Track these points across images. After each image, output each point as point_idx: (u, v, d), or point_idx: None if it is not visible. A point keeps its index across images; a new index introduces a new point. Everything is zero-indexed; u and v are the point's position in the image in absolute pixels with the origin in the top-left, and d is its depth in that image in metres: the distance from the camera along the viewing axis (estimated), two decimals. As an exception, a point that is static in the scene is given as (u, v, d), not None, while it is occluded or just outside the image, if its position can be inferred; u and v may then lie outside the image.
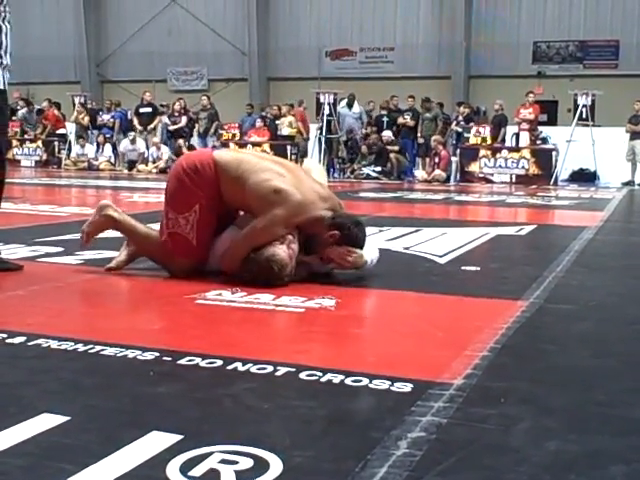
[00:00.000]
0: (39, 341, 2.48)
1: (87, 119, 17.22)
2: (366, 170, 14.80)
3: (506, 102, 15.36)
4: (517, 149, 14.73)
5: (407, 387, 2.09)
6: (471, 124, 15.46)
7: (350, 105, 16.13)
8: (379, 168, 14.74)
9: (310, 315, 3.00)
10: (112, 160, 16.55)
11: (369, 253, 3.78)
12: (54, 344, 2.45)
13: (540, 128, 15.48)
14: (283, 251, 3.46)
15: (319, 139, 15.71)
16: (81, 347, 2.42)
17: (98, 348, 2.41)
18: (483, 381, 2.17)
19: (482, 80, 20.46)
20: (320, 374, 2.18)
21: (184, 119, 16.33)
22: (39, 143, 17.32)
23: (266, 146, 15.44)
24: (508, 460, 1.64)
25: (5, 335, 2.54)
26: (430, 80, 19.86)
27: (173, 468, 1.56)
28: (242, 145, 15.76)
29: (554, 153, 14.47)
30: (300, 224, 3.60)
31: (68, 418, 1.81)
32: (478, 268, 4.26)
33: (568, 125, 14.97)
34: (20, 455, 1.61)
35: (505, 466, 1.61)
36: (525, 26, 20.36)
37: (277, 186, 3.58)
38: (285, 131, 16.05)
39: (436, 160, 14.74)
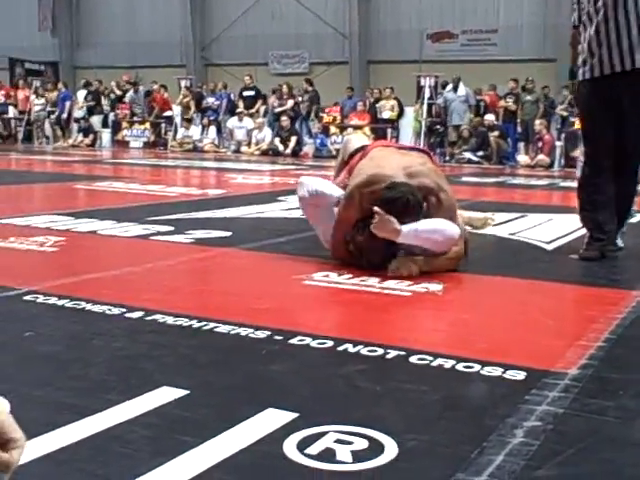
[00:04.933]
0: (156, 316, 2.57)
1: (192, 102, 17.62)
2: (467, 154, 14.58)
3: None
4: (626, 134, 14.16)
5: (520, 375, 2.06)
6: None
7: (456, 88, 15.85)
8: (481, 152, 14.50)
9: (417, 299, 2.99)
10: (216, 142, 16.89)
11: (432, 223, 3.44)
12: (170, 320, 2.54)
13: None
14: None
15: (420, 123, 15.54)
16: (196, 323, 2.50)
17: (212, 325, 2.48)
18: (599, 372, 2.11)
19: (590, 62, 19.76)
20: (431, 358, 2.18)
21: (290, 102, 16.49)
22: (147, 125, 17.84)
23: (367, 129, 15.42)
24: (629, 454, 1.59)
25: (124, 310, 2.64)
26: (535, 63, 19.31)
27: (290, 445, 1.59)
28: (343, 128, 15.80)
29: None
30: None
31: (187, 392, 1.87)
32: (588, 256, 4.13)
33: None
34: (145, 426, 1.67)
35: (626, 460, 1.57)
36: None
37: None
38: (386, 114, 15.98)
39: (539, 145, 14.37)
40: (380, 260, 3.42)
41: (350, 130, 15.48)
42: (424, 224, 3.40)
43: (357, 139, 4.70)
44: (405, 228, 3.32)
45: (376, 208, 3.31)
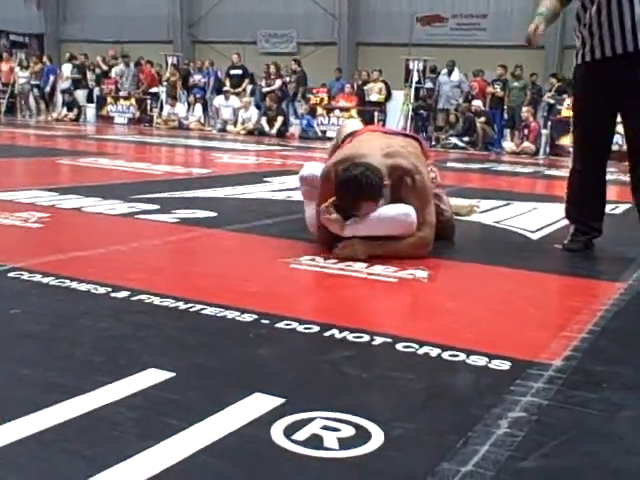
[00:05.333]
0: (142, 297, 2.56)
1: (179, 82, 17.51)
2: (453, 140, 14.60)
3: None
4: (612, 124, 14.21)
5: (505, 365, 2.07)
6: (564, 96, 15.01)
7: (450, 72, 15.81)
8: (467, 138, 14.52)
9: (403, 285, 3.00)
10: (202, 120, 16.78)
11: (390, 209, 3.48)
12: (156, 300, 2.53)
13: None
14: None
15: (407, 107, 15.51)
16: (182, 305, 2.49)
17: (198, 307, 2.47)
18: (583, 364, 2.13)
19: (578, 51, 19.76)
20: (417, 346, 2.19)
21: (278, 82, 16.42)
22: (132, 101, 17.70)
23: (354, 112, 15.39)
24: (613, 447, 1.61)
25: (110, 289, 2.63)
26: (523, 50, 19.28)
27: (277, 431, 1.59)
28: (330, 110, 15.76)
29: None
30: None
31: (173, 374, 1.87)
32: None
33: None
34: (131, 408, 1.67)
35: (610, 453, 1.58)
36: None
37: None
38: (373, 97, 15.94)
39: (525, 132, 14.41)
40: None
41: (337, 112, 15.45)
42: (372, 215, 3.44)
43: (352, 124, 4.69)
44: (348, 227, 3.41)
45: (322, 206, 3.40)
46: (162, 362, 1.95)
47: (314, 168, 3.86)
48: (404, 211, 3.47)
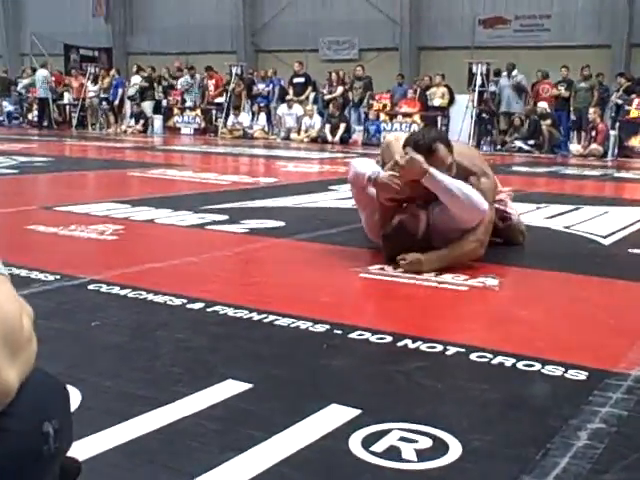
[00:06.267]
0: (216, 308, 2.61)
1: (244, 92, 17.71)
2: (518, 143, 14.40)
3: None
4: (683, 123, 13.84)
5: (582, 375, 2.05)
6: (632, 96, 14.65)
7: (509, 74, 15.60)
8: (532, 141, 14.30)
9: (474, 294, 2.99)
10: (266, 129, 16.94)
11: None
12: (230, 312, 2.58)
13: None
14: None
15: (471, 112, 15.35)
16: (256, 316, 2.53)
17: (272, 318, 2.51)
18: (663, 374, 2.09)
19: (647, 49, 19.29)
20: (491, 356, 2.18)
21: (340, 89, 16.48)
22: (198, 111, 17.99)
23: (417, 117, 15.33)
24: (697, 460, 1.58)
25: (185, 300, 2.69)
26: (589, 49, 18.95)
27: (355, 442, 1.61)
28: (393, 116, 15.73)
29: None
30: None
31: (251, 385, 1.91)
32: (647, 252, 4.07)
33: None
34: (212, 419, 1.71)
35: (694, 466, 1.55)
36: (698, -11, 18.95)
37: None
38: (436, 102, 15.84)
39: (593, 134, 14.11)
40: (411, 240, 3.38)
41: (400, 118, 15.41)
42: (454, 180, 3.34)
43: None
44: (433, 170, 3.27)
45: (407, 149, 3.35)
46: (239, 373, 1.99)
47: (356, 165, 3.66)
48: (484, 206, 3.38)
